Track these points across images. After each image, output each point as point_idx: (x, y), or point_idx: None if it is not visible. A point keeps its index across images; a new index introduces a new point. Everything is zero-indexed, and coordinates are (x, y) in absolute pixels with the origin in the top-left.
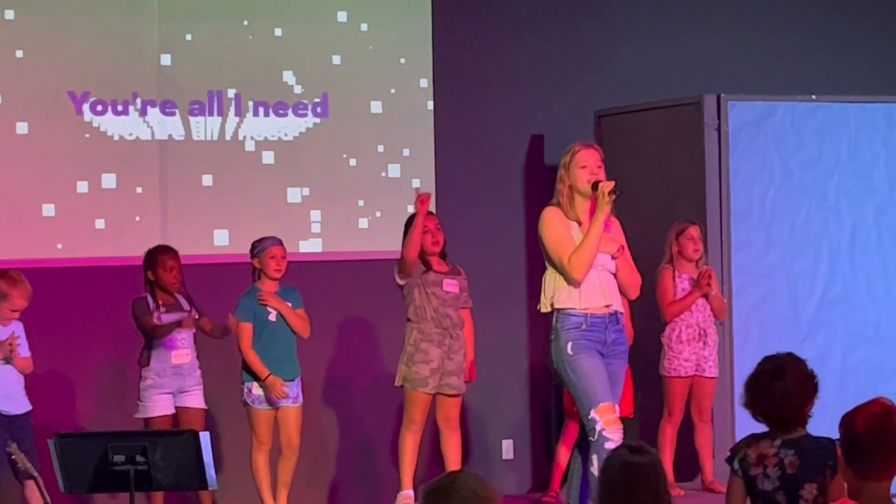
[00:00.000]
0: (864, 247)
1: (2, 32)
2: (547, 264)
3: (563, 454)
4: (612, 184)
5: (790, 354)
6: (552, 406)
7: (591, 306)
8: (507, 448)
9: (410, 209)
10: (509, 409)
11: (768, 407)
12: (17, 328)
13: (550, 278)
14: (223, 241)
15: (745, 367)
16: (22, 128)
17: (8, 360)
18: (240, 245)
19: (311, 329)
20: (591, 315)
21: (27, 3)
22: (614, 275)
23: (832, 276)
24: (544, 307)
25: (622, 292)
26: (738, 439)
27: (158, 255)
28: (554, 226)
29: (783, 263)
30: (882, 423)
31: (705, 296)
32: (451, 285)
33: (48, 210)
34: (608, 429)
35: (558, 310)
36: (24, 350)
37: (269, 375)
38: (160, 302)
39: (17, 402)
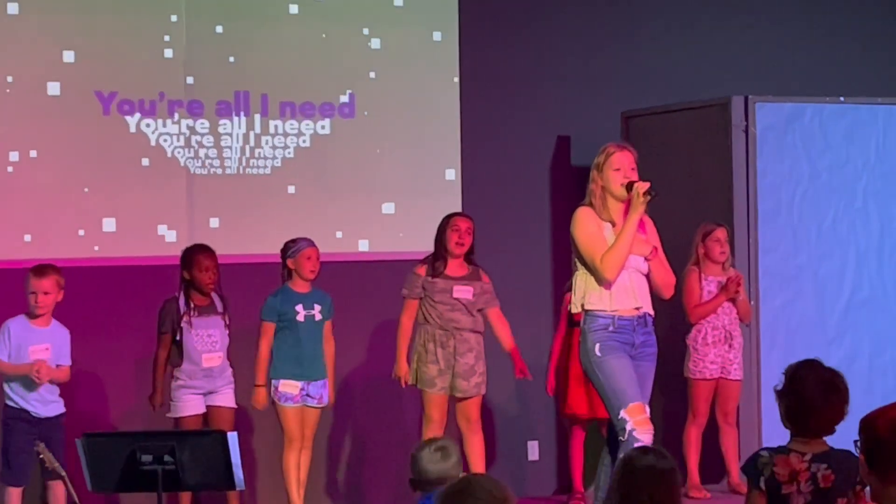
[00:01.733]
0: (893, 249)
1: (32, 30)
2: (578, 265)
3: (578, 456)
4: (647, 184)
5: (827, 367)
6: None
7: (621, 308)
8: (533, 449)
9: (435, 210)
10: (534, 410)
11: (820, 422)
12: (58, 334)
13: (581, 279)
14: (250, 242)
15: (772, 369)
16: (50, 126)
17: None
18: (268, 245)
19: (334, 340)
20: (620, 317)
21: (58, 3)
22: (646, 276)
23: (859, 279)
24: (575, 307)
25: (656, 292)
26: (764, 442)
27: (195, 255)
28: (587, 226)
29: (810, 265)
30: None
31: (732, 300)
32: (463, 291)
33: (74, 209)
34: (639, 429)
35: (587, 311)
36: (65, 359)
37: (261, 386)
38: (193, 303)
39: (47, 405)
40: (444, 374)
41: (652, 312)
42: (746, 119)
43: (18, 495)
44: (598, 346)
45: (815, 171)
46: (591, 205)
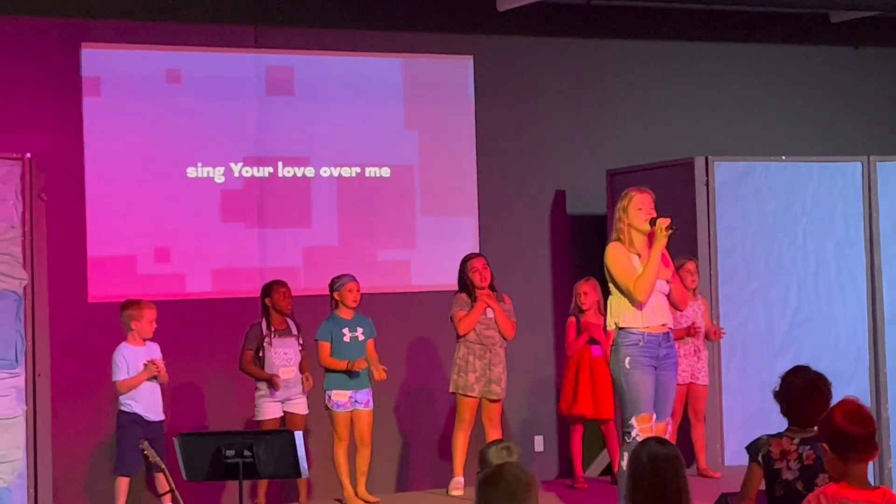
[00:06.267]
0: (826, 277)
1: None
2: (611, 289)
3: (577, 447)
4: (668, 220)
5: (814, 370)
6: None
7: (651, 325)
8: (539, 442)
9: (457, 251)
10: (540, 410)
11: (808, 413)
12: (154, 349)
13: (615, 302)
14: (307, 277)
15: (731, 375)
16: (150, 191)
17: (155, 378)
18: (321, 281)
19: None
20: (649, 334)
21: (157, 89)
22: (667, 295)
23: (800, 302)
24: (609, 326)
25: (675, 306)
26: (725, 434)
27: (274, 285)
28: (619, 258)
29: (761, 292)
30: (857, 415)
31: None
32: (493, 311)
33: (166, 252)
34: (642, 436)
35: (621, 328)
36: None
37: (348, 363)
38: (274, 327)
39: (155, 412)
40: (480, 380)
41: (673, 326)
42: (707, 175)
43: (126, 484)
44: (628, 359)
45: (763, 216)
46: (619, 240)
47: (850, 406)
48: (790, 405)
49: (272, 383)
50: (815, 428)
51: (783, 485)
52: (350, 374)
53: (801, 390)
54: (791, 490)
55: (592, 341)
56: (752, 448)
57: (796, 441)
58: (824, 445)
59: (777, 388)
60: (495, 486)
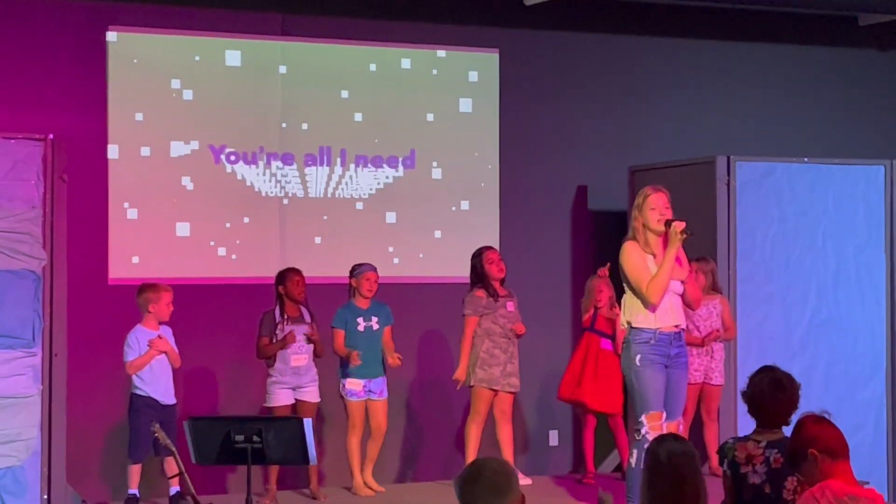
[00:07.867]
0: (846, 280)
1: (161, 100)
2: (626, 288)
3: (589, 441)
4: (683, 224)
5: (782, 370)
6: None
7: (664, 325)
8: (553, 437)
9: (478, 244)
10: (554, 405)
11: (774, 413)
12: (167, 332)
13: (630, 301)
14: (327, 265)
15: (747, 376)
16: (174, 175)
17: (165, 353)
18: (341, 268)
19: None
20: (660, 332)
21: (184, 74)
22: (681, 295)
23: (819, 304)
24: (622, 325)
25: (688, 306)
26: (739, 434)
27: (288, 273)
28: (633, 258)
29: (779, 293)
30: (827, 420)
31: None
32: (511, 305)
33: (188, 236)
34: (651, 433)
35: (633, 327)
36: (175, 347)
37: (348, 353)
38: (287, 315)
39: (168, 396)
40: (503, 374)
41: (685, 326)
42: (728, 174)
43: (139, 469)
44: (638, 357)
45: (783, 217)
46: (634, 239)
47: (815, 415)
48: (755, 405)
49: (285, 342)
50: (783, 429)
51: (751, 489)
52: (347, 363)
53: (767, 389)
54: (759, 494)
55: (602, 333)
56: (720, 452)
57: (763, 444)
58: (812, 452)
59: (744, 389)
60: (476, 483)
